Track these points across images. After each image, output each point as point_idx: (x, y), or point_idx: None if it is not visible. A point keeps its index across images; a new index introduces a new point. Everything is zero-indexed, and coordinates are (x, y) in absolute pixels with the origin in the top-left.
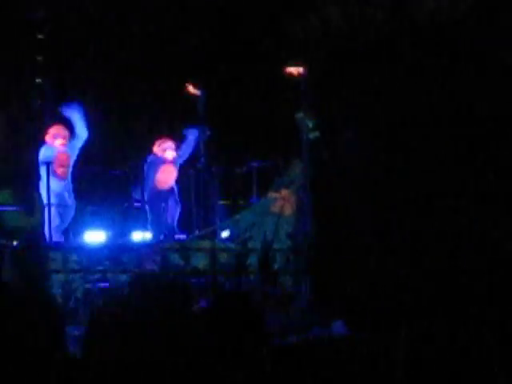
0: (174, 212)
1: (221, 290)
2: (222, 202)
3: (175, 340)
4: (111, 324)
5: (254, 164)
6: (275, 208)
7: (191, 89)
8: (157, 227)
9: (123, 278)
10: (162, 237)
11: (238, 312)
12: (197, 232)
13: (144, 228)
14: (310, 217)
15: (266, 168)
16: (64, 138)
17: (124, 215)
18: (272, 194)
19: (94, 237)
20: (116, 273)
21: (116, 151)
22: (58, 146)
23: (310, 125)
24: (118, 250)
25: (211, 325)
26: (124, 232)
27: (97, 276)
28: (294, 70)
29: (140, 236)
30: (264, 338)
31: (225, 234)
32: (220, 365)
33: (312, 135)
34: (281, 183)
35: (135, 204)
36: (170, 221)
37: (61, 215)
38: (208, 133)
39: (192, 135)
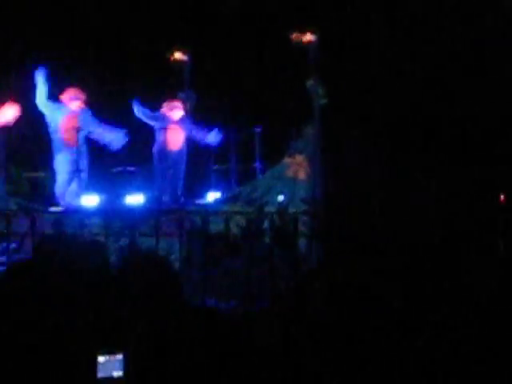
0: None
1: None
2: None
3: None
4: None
5: (257, 129)
6: (290, 173)
7: (177, 55)
8: (159, 190)
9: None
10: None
11: (151, 273)
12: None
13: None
14: (321, 181)
15: (269, 133)
16: (82, 101)
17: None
18: (287, 160)
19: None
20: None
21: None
22: (75, 108)
23: (321, 91)
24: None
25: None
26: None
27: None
28: (303, 37)
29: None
30: (175, 298)
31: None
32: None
33: (322, 101)
34: (295, 149)
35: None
36: (174, 187)
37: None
38: (194, 97)
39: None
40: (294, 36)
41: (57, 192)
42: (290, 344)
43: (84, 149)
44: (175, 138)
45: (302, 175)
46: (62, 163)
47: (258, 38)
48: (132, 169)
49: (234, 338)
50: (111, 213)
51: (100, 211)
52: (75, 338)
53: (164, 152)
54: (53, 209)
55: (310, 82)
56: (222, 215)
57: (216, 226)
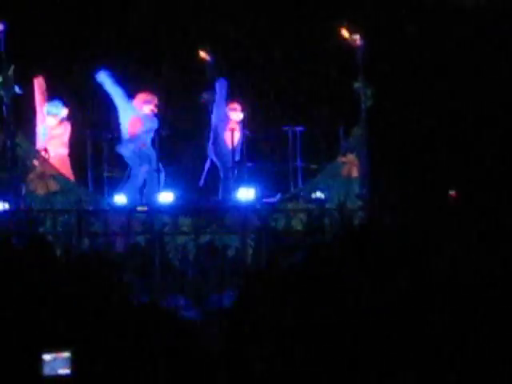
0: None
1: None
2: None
3: None
4: None
5: (299, 129)
6: (345, 171)
7: (202, 54)
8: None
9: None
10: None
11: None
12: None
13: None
14: (368, 179)
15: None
16: (154, 104)
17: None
18: (340, 159)
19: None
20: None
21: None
22: (148, 111)
23: (369, 93)
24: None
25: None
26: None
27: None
28: (349, 37)
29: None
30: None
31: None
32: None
33: (369, 103)
34: (346, 148)
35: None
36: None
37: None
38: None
39: (222, 87)
40: (344, 38)
41: (133, 192)
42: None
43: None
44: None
45: (354, 173)
46: (135, 163)
47: (305, 38)
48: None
49: (180, 339)
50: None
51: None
52: (19, 336)
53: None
54: (140, 208)
55: (357, 84)
56: (285, 213)
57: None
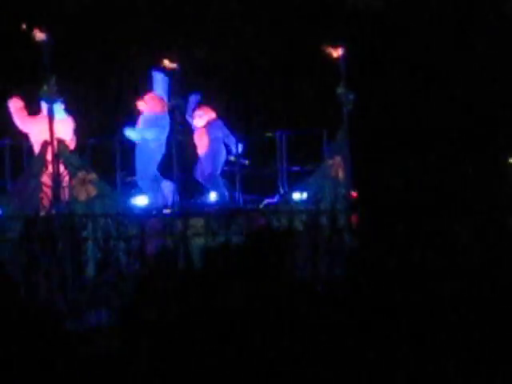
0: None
1: None
2: None
3: None
4: None
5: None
6: (333, 173)
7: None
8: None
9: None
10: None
11: None
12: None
13: None
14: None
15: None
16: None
17: None
18: (328, 161)
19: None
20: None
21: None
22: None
23: (351, 97)
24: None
25: None
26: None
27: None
28: (334, 51)
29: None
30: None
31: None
32: None
33: (350, 107)
34: (332, 151)
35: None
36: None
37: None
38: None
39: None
40: (327, 50)
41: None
42: None
43: None
44: None
45: (341, 174)
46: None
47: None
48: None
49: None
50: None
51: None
52: None
53: None
54: (166, 211)
55: (340, 89)
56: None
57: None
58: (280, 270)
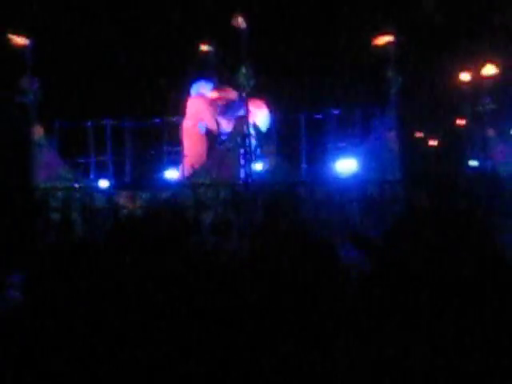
0: None
1: None
2: None
3: None
4: None
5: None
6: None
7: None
8: None
9: None
10: None
11: None
12: None
13: None
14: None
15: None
16: None
17: None
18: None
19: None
20: None
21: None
22: None
23: (400, 79)
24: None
25: None
26: None
27: None
28: (382, 41)
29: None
30: None
31: None
32: None
33: (396, 88)
34: (385, 127)
35: None
36: None
37: None
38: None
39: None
40: (376, 42)
41: None
42: None
43: None
44: None
45: (396, 148)
46: None
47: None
48: None
49: None
50: None
51: None
52: None
53: None
54: None
55: (389, 73)
56: None
57: None
58: None
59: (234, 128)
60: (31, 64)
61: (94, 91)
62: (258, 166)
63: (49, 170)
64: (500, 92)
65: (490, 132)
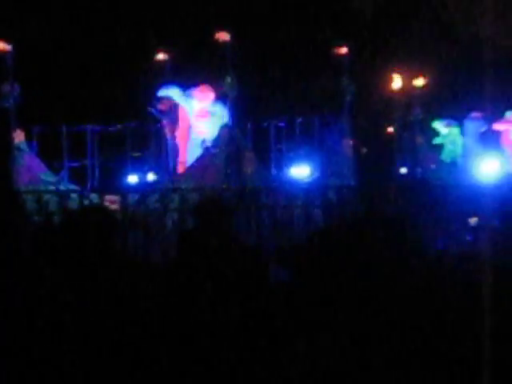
0: None
1: None
2: None
3: None
4: None
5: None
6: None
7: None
8: None
9: None
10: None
11: None
12: None
13: None
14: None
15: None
16: None
17: None
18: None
19: None
20: None
21: None
22: None
23: (353, 89)
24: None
25: None
26: None
27: None
28: (342, 51)
29: None
30: None
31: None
32: None
33: (351, 96)
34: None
35: None
36: None
37: None
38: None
39: None
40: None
41: None
42: None
43: None
44: None
45: (350, 154)
46: None
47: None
48: None
49: None
50: None
51: None
52: None
53: None
54: None
55: (345, 81)
56: None
57: None
58: None
59: (219, 134)
60: (12, 70)
61: (72, 96)
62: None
63: (30, 173)
64: (429, 102)
65: (419, 140)
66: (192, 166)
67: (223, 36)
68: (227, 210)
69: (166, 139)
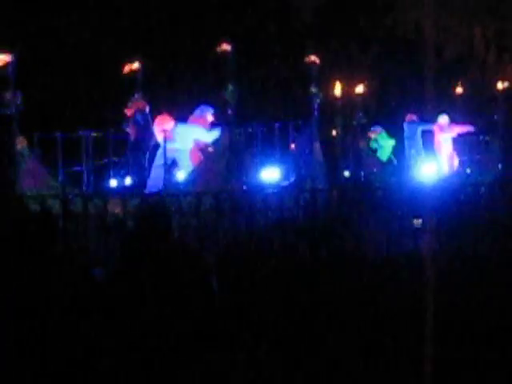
0: None
1: None
2: None
3: None
4: None
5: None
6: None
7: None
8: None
9: None
10: None
11: None
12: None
13: None
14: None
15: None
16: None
17: None
18: (315, 144)
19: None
20: None
21: None
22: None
23: (321, 96)
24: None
25: None
26: None
27: None
28: (314, 59)
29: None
30: None
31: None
32: None
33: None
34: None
35: None
36: None
37: None
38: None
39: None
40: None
41: None
42: None
43: None
44: None
45: (320, 158)
46: None
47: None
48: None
49: None
50: None
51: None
52: None
53: None
54: None
55: (314, 89)
56: None
57: None
58: None
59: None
60: (14, 78)
61: (72, 104)
62: None
63: (33, 178)
64: (370, 107)
65: (362, 143)
66: (193, 170)
67: (225, 47)
68: (166, 214)
69: (142, 144)
